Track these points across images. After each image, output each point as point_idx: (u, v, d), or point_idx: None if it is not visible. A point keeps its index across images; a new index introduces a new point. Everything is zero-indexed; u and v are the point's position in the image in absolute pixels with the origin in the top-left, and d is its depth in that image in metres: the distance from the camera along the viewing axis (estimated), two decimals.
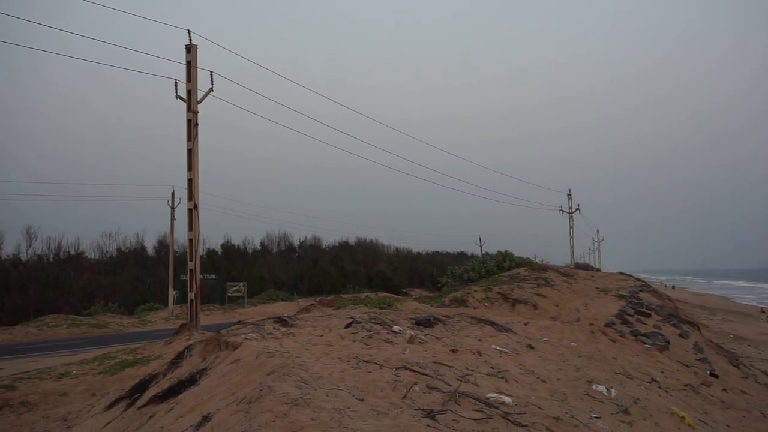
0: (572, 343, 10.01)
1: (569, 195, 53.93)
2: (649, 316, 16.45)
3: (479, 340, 8.58)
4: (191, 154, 17.06)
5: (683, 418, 6.56)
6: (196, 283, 17.06)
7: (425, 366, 6.09)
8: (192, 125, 17.05)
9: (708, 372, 12.01)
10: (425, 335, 8.13)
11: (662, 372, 9.78)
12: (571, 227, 53.85)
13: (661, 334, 14.26)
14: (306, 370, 5.51)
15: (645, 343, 12.70)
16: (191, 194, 17.11)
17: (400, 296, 18.67)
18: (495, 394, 5.40)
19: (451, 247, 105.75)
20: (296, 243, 70.42)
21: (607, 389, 6.90)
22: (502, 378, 6.42)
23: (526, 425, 4.76)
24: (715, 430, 7.05)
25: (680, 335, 15.10)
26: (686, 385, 9.11)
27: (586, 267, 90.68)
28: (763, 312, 60.09)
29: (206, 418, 4.85)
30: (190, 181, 17.16)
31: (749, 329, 41.41)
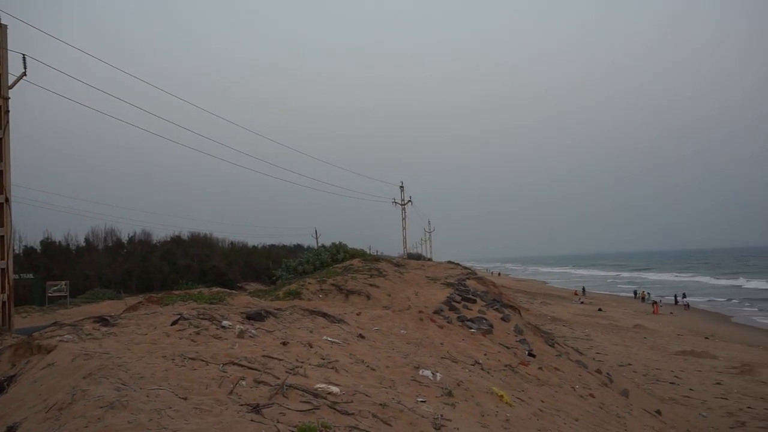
0: (402, 331, 10.30)
1: (401, 187, 55.49)
2: (474, 302, 17.31)
3: (311, 331, 8.59)
4: (1, 143, 15.65)
5: (502, 396, 6.96)
6: (8, 284, 15.71)
7: (254, 360, 5.99)
8: (2, 112, 15.65)
9: (526, 352, 12.84)
10: (256, 329, 8.02)
11: (485, 354, 10.32)
12: (404, 218, 55.47)
13: (486, 319, 15.05)
14: (126, 371, 5.24)
15: (471, 328, 13.33)
16: (2, 187, 15.72)
17: (234, 291, 18.30)
18: (323, 385, 5.42)
19: (289, 240, 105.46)
20: (125, 238, 66.85)
21: (433, 374, 7.16)
22: (333, 368, 6.47)
23: (353, 413, 4.83)
24: (531, 405, 7.54)
25: (502, 319, 16.03)
26: (506, 366, 9.66)
27: (418, 257, 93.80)
28: (577, 295, 65.46)
29: (11, 429, 4.47)
30: (0, 173, 15.76)
31: (564, 311, 44.92)
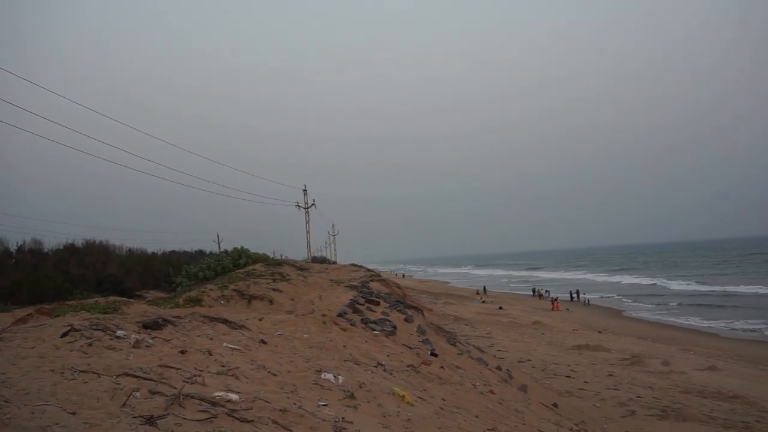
0: (305, 335, 10.25)
1: (305, 191, 55.20)
2: (378, 304, 17.44)
3: (211, 339, 8.41)
4: None
5: (404, 396, 7.04)
6: None
7: (150, 371, 5.80)
8: None
9: (429, 352, 13.04)
10: (153, 338, 7.77)
11: (388, 355, 10.40)
12: (307, 222, 55.19)
13: (389, 321, 15.19)
14: (10, 388, 4.95)
15: (374, 330, 13.43)
16: None
17: (131, 300, 17.64)
18: (222, 393, 5.32)
19: (190, 245, 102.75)
20: (12, 248, 63.29)
21: (335, 377, 7.16)
22: (233, 375, 6.36)
23: (252, 420, 4.76)
24: (432, 404, 7.66)
25: (406, 320, 16.21)
26: (409, 366, 9.78)
27: (323, 260, 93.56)
28: (478, 294, 67.07)
29: None
30: None
31: (467, 310, 45.90)
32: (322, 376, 7.18)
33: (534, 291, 71.05)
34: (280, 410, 5.19)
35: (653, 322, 43.68)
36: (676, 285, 73.65)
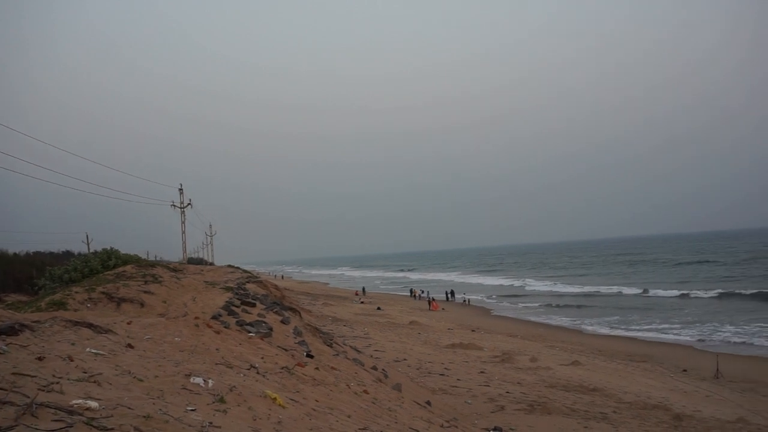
0: (176, 339, 9.95)
1: (181, 190, 53.60)
2: (254, 305, 17.21)
3: (73, 344, 7.99)
4: None
5: (275, 399, 6.97)
6: None
7: (1, 379, 5.45)
8: None
9: (305, 353, 13.01)
10: (7, 345, 7.29)
11: (262, 358, 10.28)
12: (183, 222, 53.63)
13: (265, 322, 15.03)
14: None
15: (249, 332, 13.23)
16: None
17: None
18: (81, 400, 5.06)
19: (57, 246, 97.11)
20: None
21: (205, 380, 7.00)
22: (95, 382, 6.07)
23: (112, 428, 4.56)
24: (305, 405, 7.64)
25: (282, 321, 16.11)
26: (283, 368, 9.71)
27: (200, 261, 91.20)
28: (357, 295, 67.59)
29: None
30: None
31: (345, 311, 46.13)
32: (192, 380, 7.00)
33: (411, 292, 72.46)
34: (144, 417, 5.01)
35: (523, 320, 45.71)
36: (542, 286, 77.83)
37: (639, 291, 61.65)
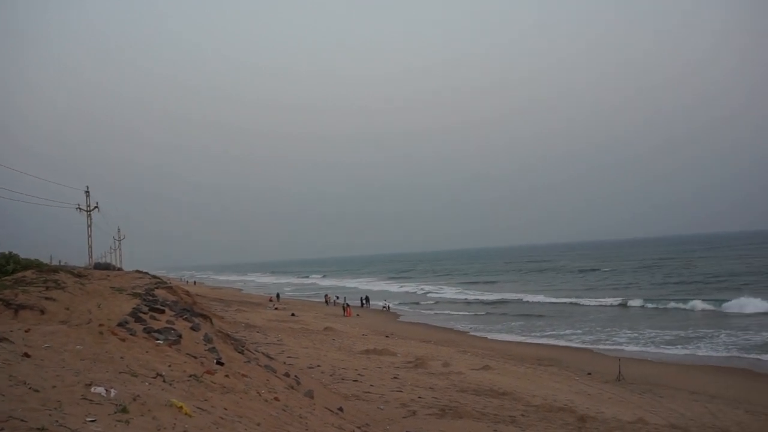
0: (78, 347, 9.56)
1: (87, 192, 51.66)
2: (163, 312, 16.71)
3: None
4: None
5: (181, 407, 6.79)
6: None
7: None
8: None
9: (215, 361, 12.73)
10: None
11: (170, 366, 10.01)
12: (89, 226, 51.73)
13: (174, 329, 14.61)
14: None
15: (157, 339, 12.84)
16: None
17: None
18: None
19: None
20: None
21: (107, 390, 6.75)
22: None
23: None
24: (212, 414, 7.47)
25: (192, 328, 15.70)
26: (191, 376, 9.47)
27: (107, 266, 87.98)
28: (272, 301, 66.84)
29: None
30: None
31: (259, 317, 45.53)
32: (93, 390, 6.73)
33: (326, 297, 72.29)
34: (38, 429, 4.79)
35: (437, 326, 46.40)
36: (454, 293, 79.65)
37: (546, 298, 63.67)
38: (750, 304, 46.29)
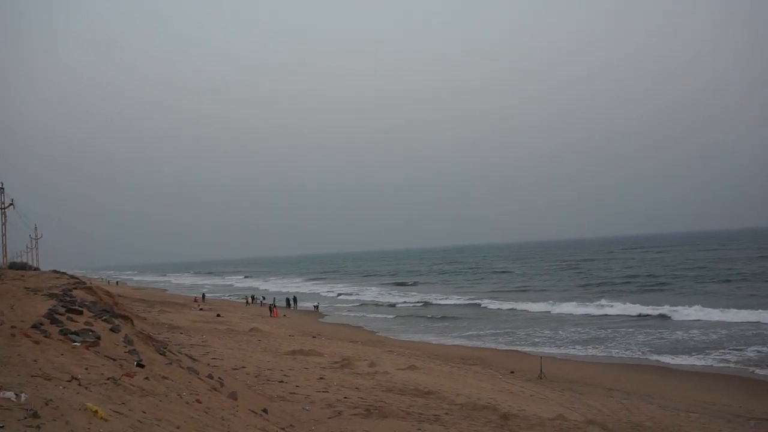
0: None
1: (1, 189, 49.55)
2: (81, 313, 16.20)
3: None
4: None
5: (96, 411, 6.60)
6: None
7: None
8: None
9: (135, 363, 12.40)
10: None
11: (86, 369, 9.70)
12: (4, 223, 49.62)
13: (93, 331, 14.17)
14: None
15: (74, 341, 12.42)
16: None
17: None
18: None
19: None
20: None
21: (17, 395, 6.50)
22: None
23: None
24: (130, 417, 7.28)
25: (112, 330, 15.27)
26: (109, 379, 9.21)
27: (23, 266, 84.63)
28: (196, 302, 65.65)
29: None
30: None
31: (183, 318, 44.63)
32: (2, 394, 6.47)
33: (253, 298, 71.45)
34: None
35: (363, 327, 46.55)
36: (380, 295, 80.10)
37: (471, 300, 64.77)
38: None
